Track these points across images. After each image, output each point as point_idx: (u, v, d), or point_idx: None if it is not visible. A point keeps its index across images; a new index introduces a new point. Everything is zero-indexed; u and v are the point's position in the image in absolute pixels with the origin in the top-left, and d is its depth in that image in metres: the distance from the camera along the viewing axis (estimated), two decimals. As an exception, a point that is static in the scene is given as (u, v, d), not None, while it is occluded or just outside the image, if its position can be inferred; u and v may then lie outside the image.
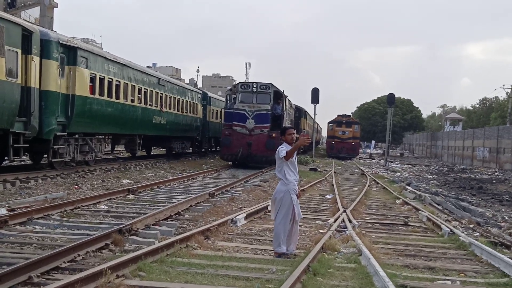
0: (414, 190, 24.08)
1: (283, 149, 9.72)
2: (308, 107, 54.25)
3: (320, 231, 12.28)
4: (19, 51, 17.94)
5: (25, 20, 22.65)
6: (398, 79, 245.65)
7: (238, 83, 31.81)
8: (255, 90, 30.69)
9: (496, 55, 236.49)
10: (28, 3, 52.87)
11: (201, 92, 46.51)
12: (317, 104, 50.20)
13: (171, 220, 12.60)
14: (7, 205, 12.79)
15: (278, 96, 31.65)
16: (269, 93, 30.80)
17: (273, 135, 29.26)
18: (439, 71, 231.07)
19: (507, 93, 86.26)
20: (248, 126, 29.68)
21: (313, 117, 57.49)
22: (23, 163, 22.70)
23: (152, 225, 11.56)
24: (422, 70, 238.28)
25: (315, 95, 49.38)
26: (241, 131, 29.80)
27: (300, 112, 47.34)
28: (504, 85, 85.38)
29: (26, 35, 18.58)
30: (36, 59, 19.12)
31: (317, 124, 65.12)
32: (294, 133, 10.15)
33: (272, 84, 31.17)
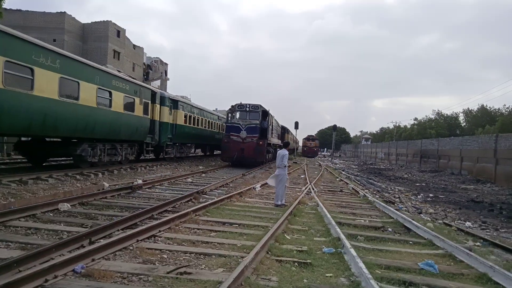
0: (345, 173, 23.96)
1: (285, 156, 9.97)
2: (291, 127, 53.26)
3: (298, 193, 12.26)
4: (149, 102, 18.20)
5: (153, 86, 22.94)
6: (338, 117, 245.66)
7: (235, 104, 23.47)
8: (247, 109, 23.06)
9: (388, 106, 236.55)
10: (154, 78, 53.58)
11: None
12: (297, 129, 50.60)
13: (223, 187, 12.64)
14: (141, 178, 12.95)
15: (265, 114, 23.81)
16: (258, 111, 22.98)
17: (260, 142, 22.39)
18: (360, 113, 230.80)
19: (394, 125, 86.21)
20: (241, 136, 22.23)
21: (294, 134, 56.76)
22: (150, 157, 22.92)
23: (214, 189, 11.60)
24: (351, 112, 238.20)
25: (296, 125, 49.38)
26: (237, 140, 22.29)
27: (284, 130, 40.66)
28: (392, 121, 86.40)
29: (153, 94, 18.87)
30: (158, 106, 19.41)
31: (297, 138, 64.67)
32: (289, 145, 10.69)
33: (260, 105, 23.37)
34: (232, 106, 23.41)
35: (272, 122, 26.37)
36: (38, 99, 10.58)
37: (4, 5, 21.14)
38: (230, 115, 23.64)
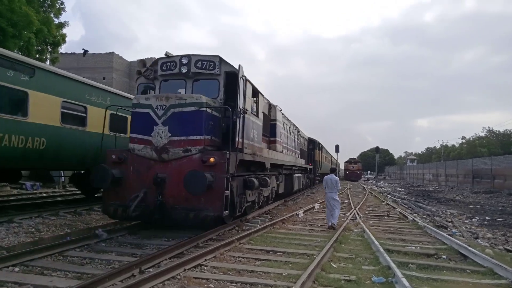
0: (391, 197, 23.02)
1: (338, 181, 10.67)
2: (331, 150, 50.75)
3: (342, 219, 11.93)
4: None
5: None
6: (381, 138, 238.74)
7: (158, 59, 8.18)
8: (184, 70, 7.48)
9: (434, 125, 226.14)
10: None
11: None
12: (338, 152, 49.16)
13: (265, 214, 12.52)
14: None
15: (232, 79, 7.43)
16: (216, 76, 7.43)
17: (211, 159, 6.56)
18: (403, 133, 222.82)
19: (440, 145, 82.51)
20: (155, 142, 6.61)
21: (332, 155, 51.93)
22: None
23: (256, 216, 11.51)
24: (394, 133, 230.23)
25: (337, 148, 48.26)
26: (143, 153, 6.67)
27: (314, 144, 27.29)
28: (438, 141, 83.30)
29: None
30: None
31: (338, 161, 62.39)
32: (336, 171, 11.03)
33: (220, 57, 7.55)
34: (151, 66, 8.99)
35: (275, 116, 12.77)
36: (91, 134, 11.34)
37: (61, 50, 23.27)
38: (142, 87, 9.27)
